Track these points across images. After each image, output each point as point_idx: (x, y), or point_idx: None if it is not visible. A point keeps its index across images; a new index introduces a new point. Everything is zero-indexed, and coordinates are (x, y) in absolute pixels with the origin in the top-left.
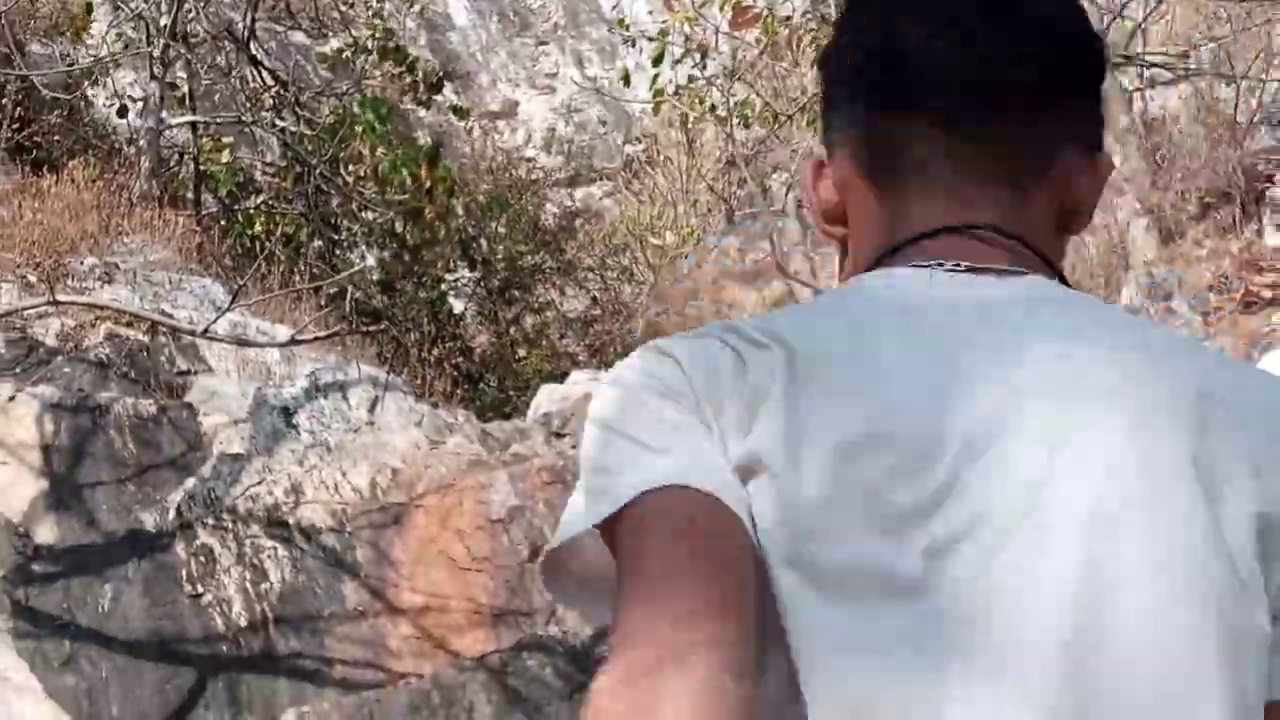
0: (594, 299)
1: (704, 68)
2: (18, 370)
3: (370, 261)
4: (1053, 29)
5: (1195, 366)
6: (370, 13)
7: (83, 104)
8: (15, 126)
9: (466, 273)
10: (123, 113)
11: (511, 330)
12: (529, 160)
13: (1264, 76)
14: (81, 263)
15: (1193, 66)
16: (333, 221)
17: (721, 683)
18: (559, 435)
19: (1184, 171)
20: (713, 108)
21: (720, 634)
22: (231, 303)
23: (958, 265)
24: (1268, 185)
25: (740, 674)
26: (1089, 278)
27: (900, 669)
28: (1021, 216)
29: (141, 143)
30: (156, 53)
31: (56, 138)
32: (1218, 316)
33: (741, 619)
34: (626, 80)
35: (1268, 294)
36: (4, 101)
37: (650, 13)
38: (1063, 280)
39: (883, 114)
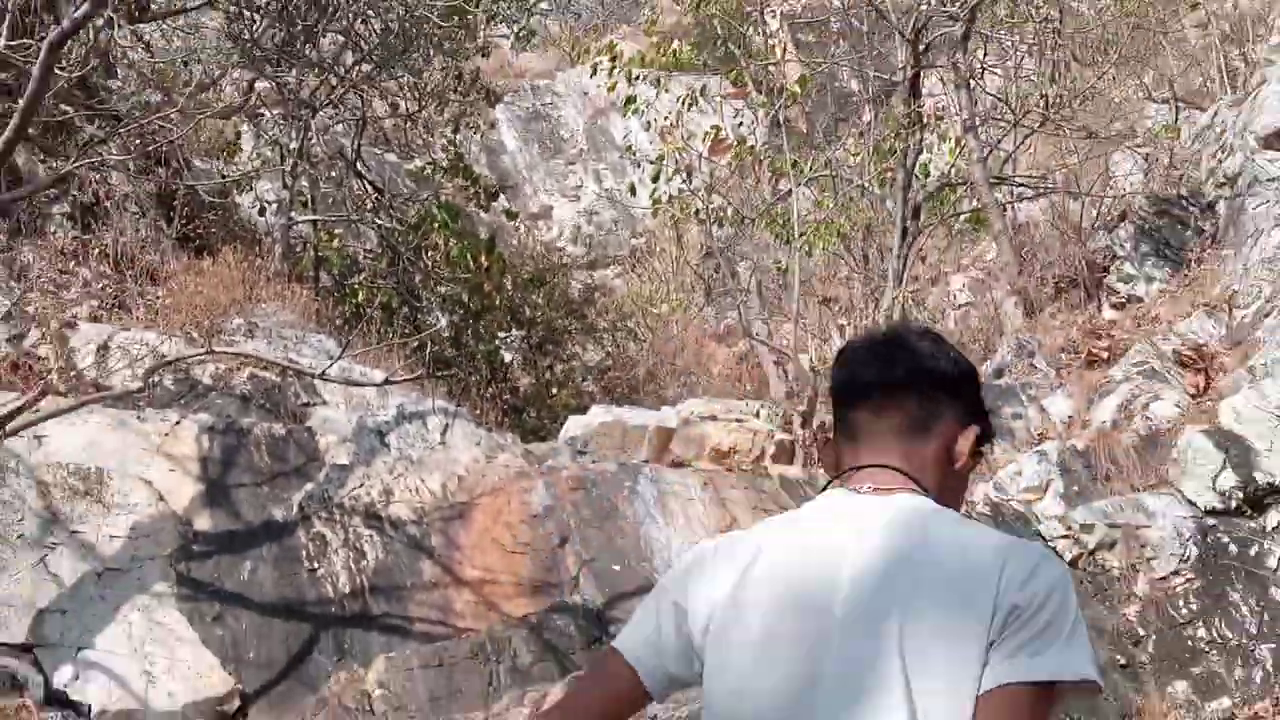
0: (608, 353)
1: (689, 182)
2: (182, 402)
3: (443, 323)
4: (916, 359)
5: (975, 543)
6: (444, 140)
7: (233, 205)
8: (183, 222)
9: (515, 332)
10: (262, 212)
11: (547, 375)
12: (560, 249)
13: (1101, 194)
14: (230, 322)
15: (1049, 185)
16: (416, 293)
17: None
18: (581, 453)
19: (1042, 264)
20: (696, 212)
21: (603, 694)
22: (341, 353)
23: (860, 487)
24: (1103, 274)
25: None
26: (972, 342)
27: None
28: (910, 457)
29: (275, 234)
30: (287, 169)
31: (213, 230)
32: (1067, 371)
33: (607, 697)
34: (633, 191)
35: (1104, 355)
36: (176, 203)
37: (651, 142)
38: (926, 491)
39: (841, 408)
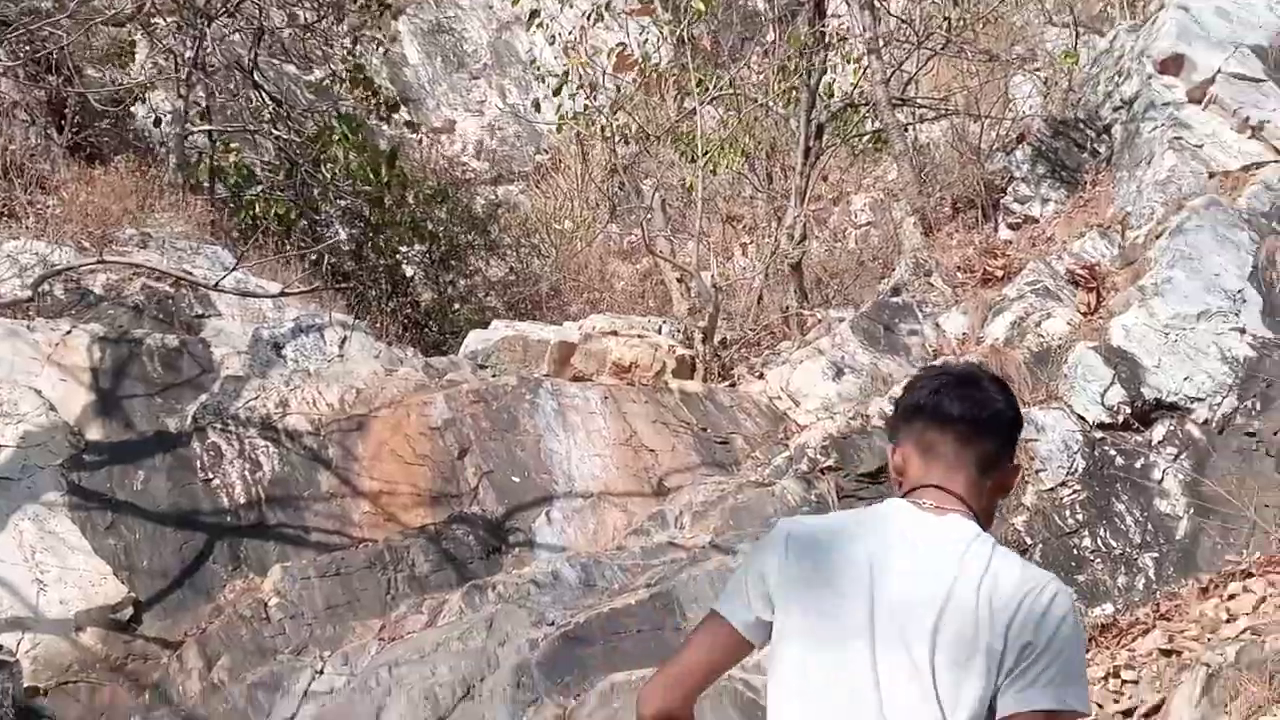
0: (511, 268)
1: (594, 99)
2: (73, 312)
3: (343, 236)
4: (997, 406)
5: (1010, 569)
6: (344, 52)
7: (127, 115)
8: (74, 130)
9: (416, 246)
10: (157, 123)
11: (449, 290)
12: (463, 164)
13: (1000, 116)
14: (123, 232)
15: (950, 107)
16: (315, 206)
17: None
18: (483, 367)
19: (941, 184)
20: (601, 129)
21: (713, 651)
22: (236, 265)
23: (924, 503)
24: (1000, 195)
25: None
26: (872, 260)
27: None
28: (973, 486)
29: (170, 145)
30: (182, 78)
31: (106, 139)
32: (963, 289)
33: (719, 656)
34: (537, 107)
35: (999, 273)
36: (66, 111)
37: (555, 57)
38: (984, 517)
39: (927, 425)
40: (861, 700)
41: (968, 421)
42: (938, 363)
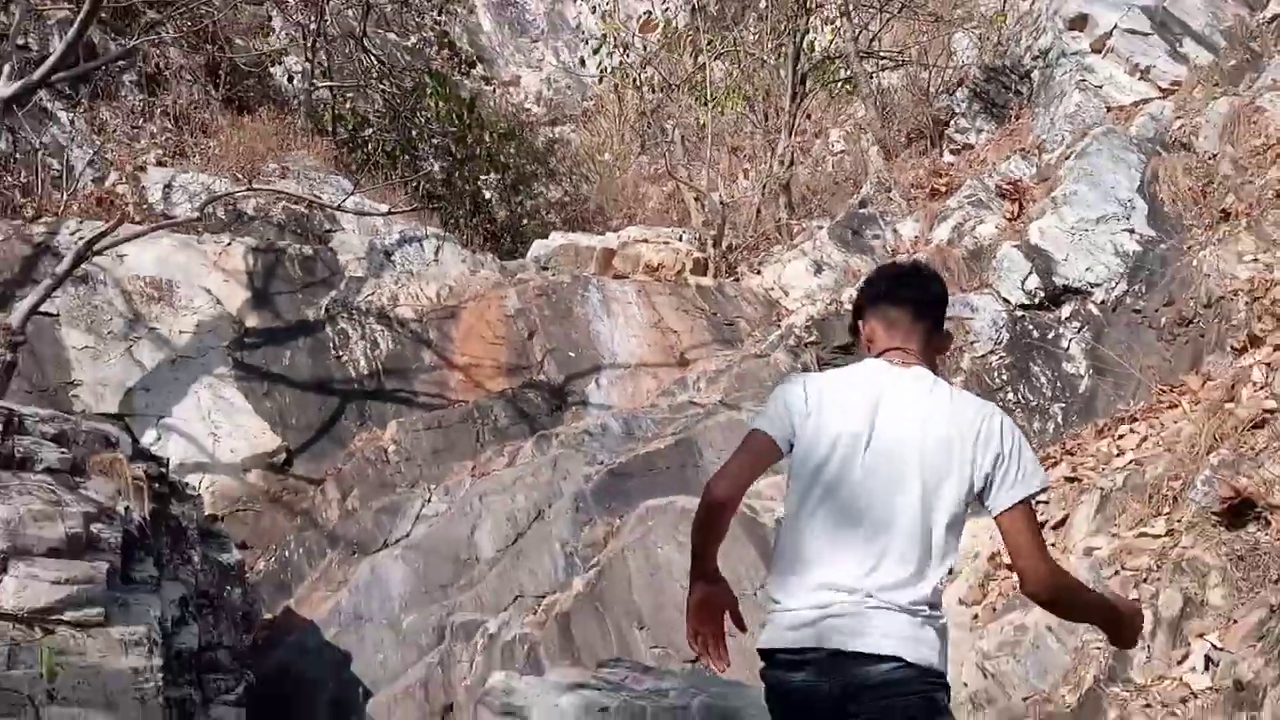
0: (565, 191)
1: (627, 56)
2: (232, 228)
3: (436, 168)
4: (935, 289)
5: (965, 405)
6: (433, 22)
7: (267, 75)
8: (227, 87)
9: (492, 175)
10: (290, 80)
11: (518, 209)
12: (527, 110)
13: (944, 66)
14: (267, 166)
15: (905, 59)
16: (414, 144)
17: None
18: (544, 268)
19: (899, 120)
20: (632, 80)
21: (760, 457)
22: (354, 190)
23: (894, 360)
24: (945, 128)
25: (758, 462)
26: (845, 180)
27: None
28: (925, 347)
29: (300, 98)
30: (309, 45)
31: (251, 94)
32: (915, 202)
33: (763, 459)
34: (583, 63)
35: (944, 189)
36: (221, 73)
37: (596, 24)
38: (932, 368)
39: (887, 306)
40: (875, 509)
41: (916, 302)
42: (890, 261)
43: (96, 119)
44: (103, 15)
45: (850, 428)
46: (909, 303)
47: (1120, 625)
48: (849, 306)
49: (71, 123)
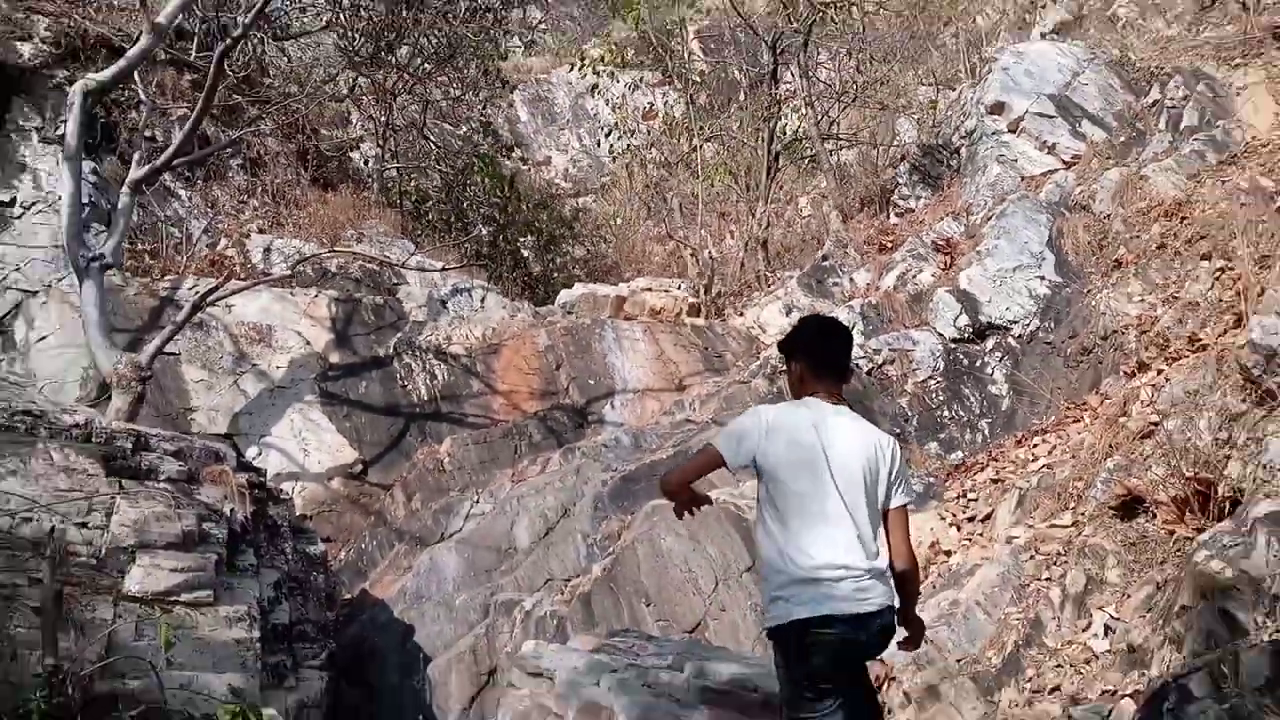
0: (588, 250)
1: (634, 141)
2: (318, 283)
3: (484, 232)
4: (848, 343)
5: (874, 434)
6: (480, 114)
7: (347, 159)
8: (314, 169)
9: (529, 238)
10: (365, 163)
11: (550, 265)
12: (557, 184)
13: (889, 145)
14: (346, 233)
15: (858, 140)
16: (465, 213)
17: (709, 466)
18: (569, 313)
19: (854, 189)
20: (640, 160)
21: (709, 465)
22: (415, 251)
23: (823, 398)
24: (891, 194)
25: (710, 469)
26: (810, 238)
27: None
28: (839, 386)
29: (374, 177)
30: (380, 134)
31: (334, 175)
32: (867, 256)
33: (712, 467)
34: (599, 145)
35: (890, 245)
36: (309, 157)
37: (610, 114)
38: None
39: (816, 355)
40: (849, 490)
41: (835, 353)
42: (813, 315)
43: (210, 195)
44: (214, 112)
45: (812, 453)
46: (833, 353)
47: (911, 601)
48: None
49: (190, 199)
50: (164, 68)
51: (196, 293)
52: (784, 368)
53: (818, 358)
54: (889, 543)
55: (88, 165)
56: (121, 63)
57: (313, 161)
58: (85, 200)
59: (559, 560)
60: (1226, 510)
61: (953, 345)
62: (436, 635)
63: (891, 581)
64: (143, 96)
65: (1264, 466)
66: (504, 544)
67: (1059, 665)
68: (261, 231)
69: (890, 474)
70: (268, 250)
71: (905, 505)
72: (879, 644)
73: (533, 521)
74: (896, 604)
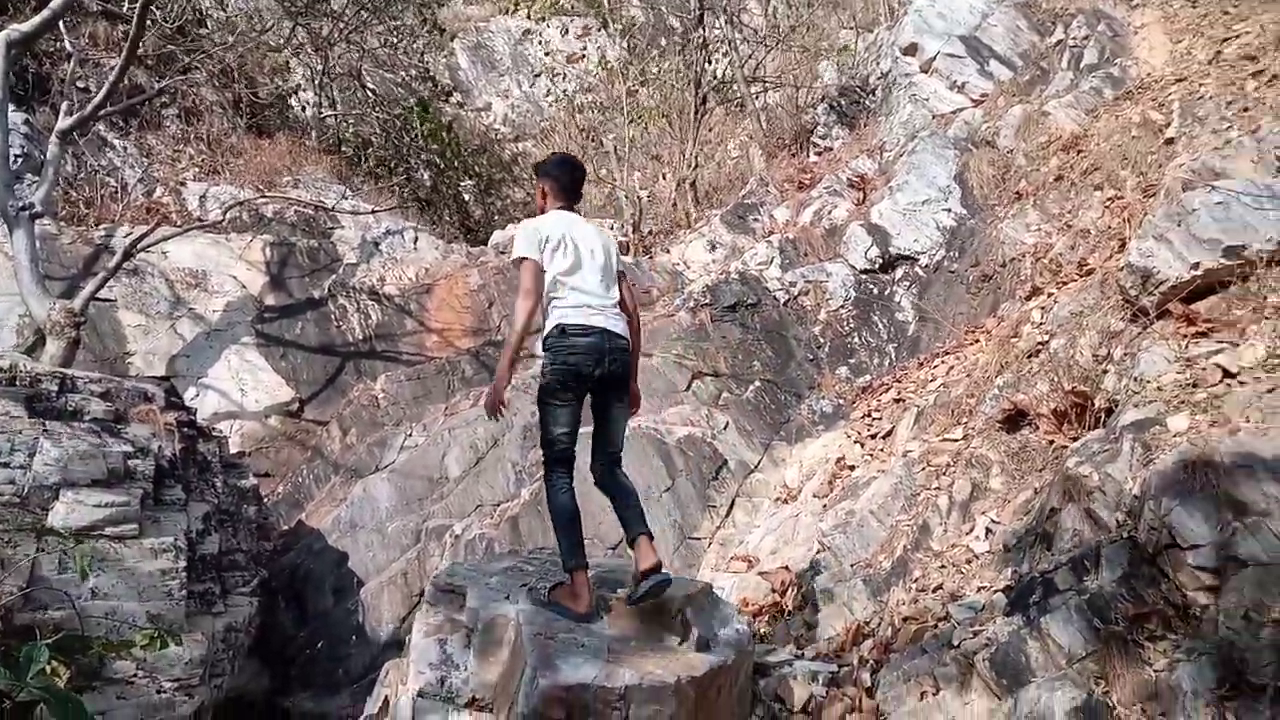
0: (527, 194)
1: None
2: (254, 228)
3: (425, 177)
4: (583, 170)
5: (606, 235)
6: (418, 61)
7: (285, 106)
8: (250, 117)
9: (469, 182)
10: (303, 110)
11: (490, 208)
12: (497, 130)
13: (811, 86)
14: (283, 179)
15: (782, 82)
16: (406, 159)
17: (538, 272)
18: (502, 253)
19: (777, 129)
20: (577, 106)
21: (537, 273)
22: (348, 197)
23: (567, 210)
24: (811, 134)
25: (539, 277)
26: (737, 178)
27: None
28: (574, 204)
29: (312, 125)
30: (318, 82)
31: (272, 123)
32: (787, 193)
33: (540, 272)
34: (535, 89)
35: (809, 182)
36: (244, 106)
37: (546, 59)
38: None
39: (568, 187)
40: (597, 265)
41: (574, 179)
42: (557, 152)
43: (145, 144)
44: (148, 62)
45: (572, 237)
46: (571, 179)
47: (635, 357)
48: (735, 274)
49: (124, 148)
50: (96, 19)
51: (131, 240)
52: (540, 190)
53: (562, 182)
54: (622, 299)
55: (19, 116)
56: (46, 13)
57: (247, 110)
58: (18, 152)
59: (488, 488)
60: (1101, 421)
61: (864, 276)
62: (370, 561)
63: (627, 325)
64: (69, 47)
65: (1135, 379)
66: (435, 474)
67: (943, 566)
68: (197, 179)
69: (616, 253)
70: (203, 197)
71: (626, 275)
72: (617, 360)
73: (463, 452)
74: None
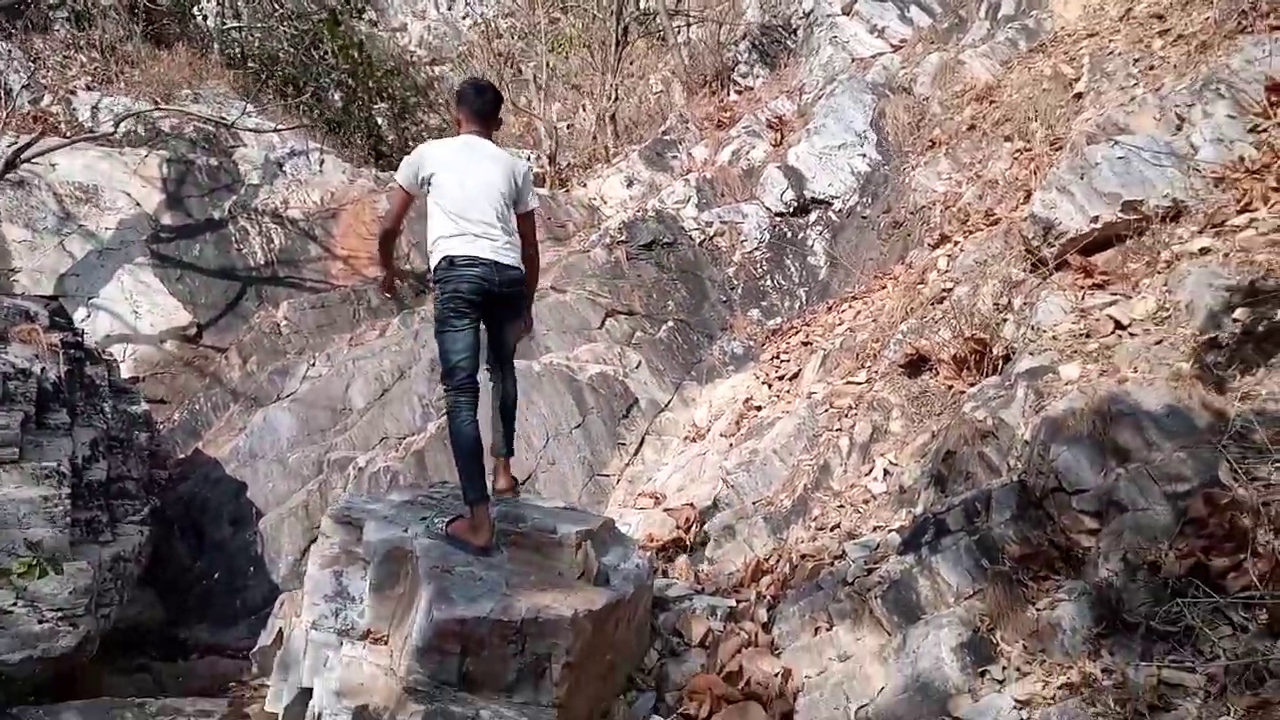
0: (443, 120)
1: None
2: (150, 143)
3: (336, 97)
4: (498, 96)
5: (510, 160)
6: None
7: (187, 15)
8: (149, 25)
9: (382, 104)
10: (205, 19)
11: (404, 133)
12: (412, 52)
13: (733, 24)
14: (182, 92)
15: (704, 17)
16: (315, 78)
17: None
18: None
19: (699, 66)
20: (496, 30)
21: (404, 201)
22: (245, 111)
23: (475, 135)
24: (731, 72)
25: (403, 204)
26: (651, 118)
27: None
28: (489, 130)
29: (214, 35)
30: None
31: (170, 32)
32: (706, 131)
33: (406, 200)
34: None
35: (728, 121)
36: (139, 11)
37: None
38: (489, 138)
39: (474, 106)
40: (492, 193)
41: (486, 104)
42: (472, 78)
43: (32, 49)
44: None
45: (466, 165)
46: (486, 104)
47: (532, 287)
48: (652, 212)
49: (9, 52)
50: None
51: (15, 149)
52: (455, 117)
53: (474, 107)
54: (521, 233)
55: None
56: None
57: (144, 17)
58: None
59: (394, 420)
60: (999, 368)
61: (778, 218)
62: (270, 491)
63: (520, 256)
64: None
65: (1033, 328)
66: (339, 405)
67: (841, 506)
68: (89, 89)
69: (520, 185)
70: (95, 108)
71: (531, 210)
72: (508, 290)
73: (368, 383)
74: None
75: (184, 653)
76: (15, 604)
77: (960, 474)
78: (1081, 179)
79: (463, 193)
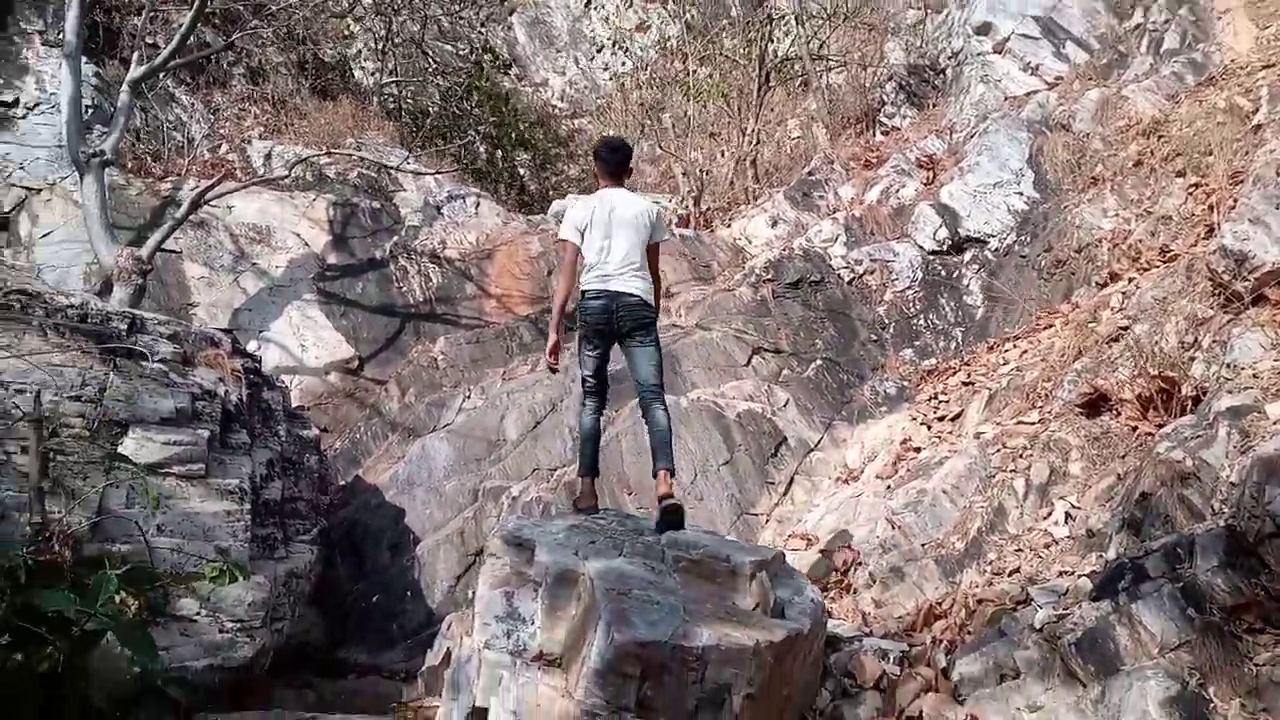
0: (582, 169)
1: (630, 61)
2: (317, 187)
3: (481, 149)
4: (628, 151)
5: (642, 203)
6: (478, 33)
7: (349, 72)
8: (315, 80)
9: (525, 156)
10: (366, 74)
11: (545, 183)
12: (554, 106)
13: (877, 66)
14: (346, 141)
15: (848, 60)
16: (463, 130)
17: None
18: (559, 222)
19: (843, 108)
20: (635, 81)
21: (575, 252)
22: (411, 159)
23: (613, 187)
24: (878, 113)
25: (574, 258)
26: (800, 156)
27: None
28: (622, 182)
29: (375, 90)
30: (381, 49)
31: (335, 87)
32: (853, 171)
33: (577, 251)
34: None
35: (875, 161)
36: (306, 67)
37: (607, 35)
38: (624, 186)
39: (611, 167)
40: (626, 237)
41: (618, 159)
42: (607, 135)
43: (211, 101)
44: (215, 20)
45: (605, 218)
46: (618, 160)
47: (657, 306)
48: (799, 251)
49: (191, 104)
50: None
51: (197, 192)
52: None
53: (608, 163)
54: (649, 263)
55: (90, 68)
56: None
57: (312, 72)
58: (88, 103)
59: (546, 452)
60: (1188, 408)
61: (931, 257)
62: (426, 518)
63: (648, 282)
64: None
65: (1228, 365)
66: (494, 436)
67: (1019, 549)
68: (262, 138)
69: (651, 225)
70: (268, 156)
71: (658, 242)
72: (627, 312)
73: (521, 415)
74: (650, 299)
75: (344, 672)
76: (199, 613)
77: (1158, 517)
78: (1277, 209)
79: (604, 242)
